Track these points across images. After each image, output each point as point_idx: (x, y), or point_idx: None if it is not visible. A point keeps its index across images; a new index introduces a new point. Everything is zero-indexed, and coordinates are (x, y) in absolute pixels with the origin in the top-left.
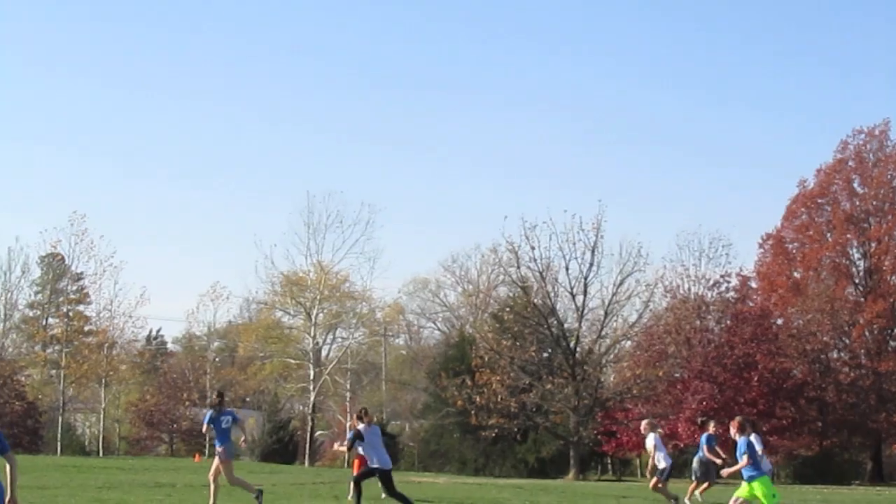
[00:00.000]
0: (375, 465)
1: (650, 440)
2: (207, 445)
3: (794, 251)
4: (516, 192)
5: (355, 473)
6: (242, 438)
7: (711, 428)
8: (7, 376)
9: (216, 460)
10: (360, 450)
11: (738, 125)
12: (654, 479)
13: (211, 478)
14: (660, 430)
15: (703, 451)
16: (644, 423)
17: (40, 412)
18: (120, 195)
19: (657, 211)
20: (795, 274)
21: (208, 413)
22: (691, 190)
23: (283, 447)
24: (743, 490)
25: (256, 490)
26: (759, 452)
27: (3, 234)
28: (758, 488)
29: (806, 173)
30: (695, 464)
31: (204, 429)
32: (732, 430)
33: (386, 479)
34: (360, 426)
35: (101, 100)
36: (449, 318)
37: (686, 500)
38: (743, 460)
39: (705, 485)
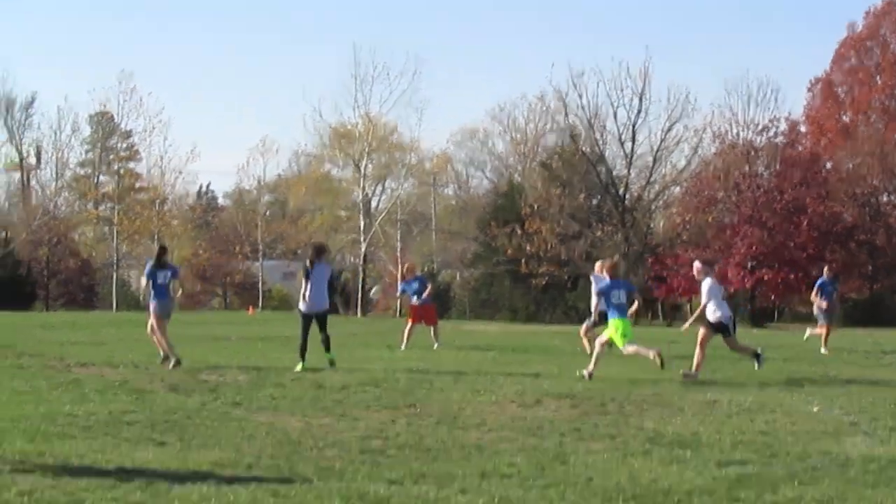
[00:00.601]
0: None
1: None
2: (261, 298)
3: (843, 95)
4: (563, 39)
5: (410, 323)
6: (179, 293)
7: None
8: (61, 235)
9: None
10: (414, 300)
11: None
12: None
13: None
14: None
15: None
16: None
17: (94, 269)
18: (168, 52)
19: (705, 57)
20: (844, 117)
21: (147, 265)
22: (739, 35)
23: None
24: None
25: (175, 358)
26: (708, 296)
27: (52, 93)
28: (618, 326)
29: (855, 16)
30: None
31: (143, 282)
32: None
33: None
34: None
35: None
36: (497, 167)
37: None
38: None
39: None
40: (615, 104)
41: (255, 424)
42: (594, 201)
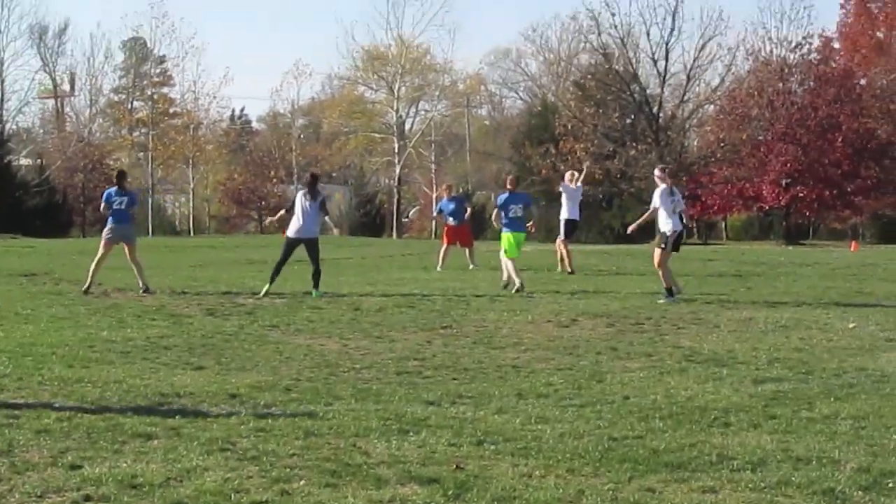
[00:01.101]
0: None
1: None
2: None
3: (877, 10)
4: None
5: (445, 244)
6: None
7: None
8: (96, 160)
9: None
10: (451, 220)
11: None
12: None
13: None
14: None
15: None
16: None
17: None
18: None
19: None
20: (878, 34)
21: (107, 190)
22: None
23: (370, 220)
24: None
25: (144, 286)
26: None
27: (84, 20)
28: (509, 239)
29: None
30: None
31: (101, 207)
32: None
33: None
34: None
35: None
36: (531, 87)
37: None
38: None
39: None
40: (648, 23)
41: (293, 347)
42: (628, 120)
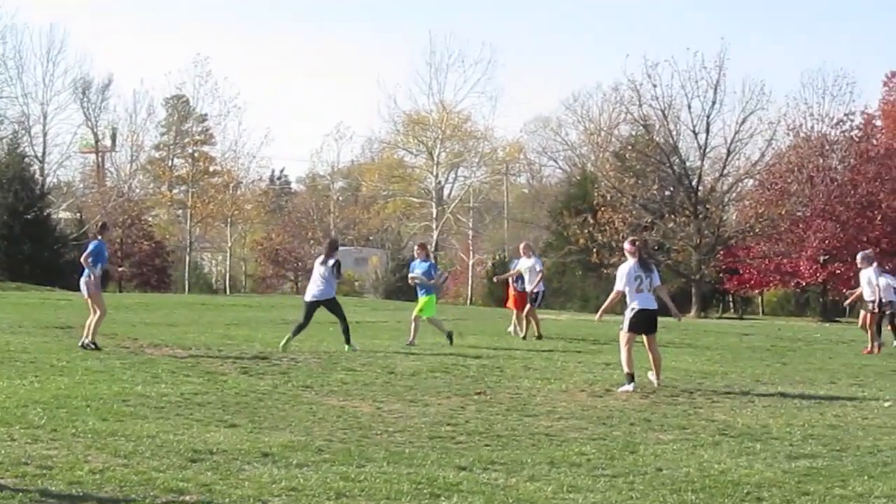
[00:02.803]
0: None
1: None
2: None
3: None
4: (637, 30)
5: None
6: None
7: None
8: (135, 216)
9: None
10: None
11: None
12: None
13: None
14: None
15: None
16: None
17: (168, 251)
18: (244, 36)
19: (781, 49)
20: None
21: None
22: (816, 26)
23: (406, 284)
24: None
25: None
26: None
27: (127, 76)
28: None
29: None
30: None
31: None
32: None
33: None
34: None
35: None
36: (570, 156)
37: None
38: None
39: None
40: (689, 95)
41: (326, 408)
42: (667, 192)
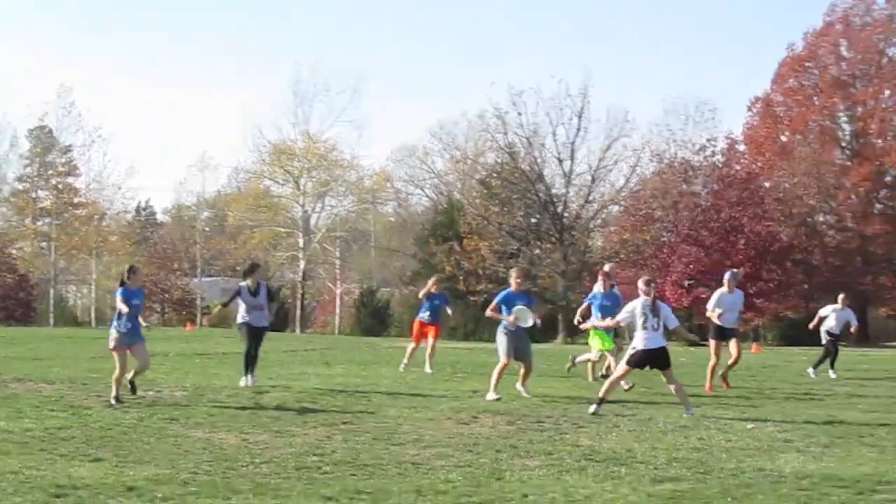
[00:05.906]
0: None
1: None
2: (199, 315)
3: (782, 114)
4: (502, 58)
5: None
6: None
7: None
8: None
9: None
10: (426, 316)
11: None
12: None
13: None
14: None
15: None
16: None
17: (32, 284)
18: (105, 67)
19: (644, 76)
20: (783, 137)
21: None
22: (679, 55)
23: (274, 315)
24: None
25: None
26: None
27: None
28: None
29: (795, 37)
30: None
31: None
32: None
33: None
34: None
35: None
36: (437, 184)
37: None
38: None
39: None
40: (554, 123)
41: (192, 440)
42: (533, 219)
